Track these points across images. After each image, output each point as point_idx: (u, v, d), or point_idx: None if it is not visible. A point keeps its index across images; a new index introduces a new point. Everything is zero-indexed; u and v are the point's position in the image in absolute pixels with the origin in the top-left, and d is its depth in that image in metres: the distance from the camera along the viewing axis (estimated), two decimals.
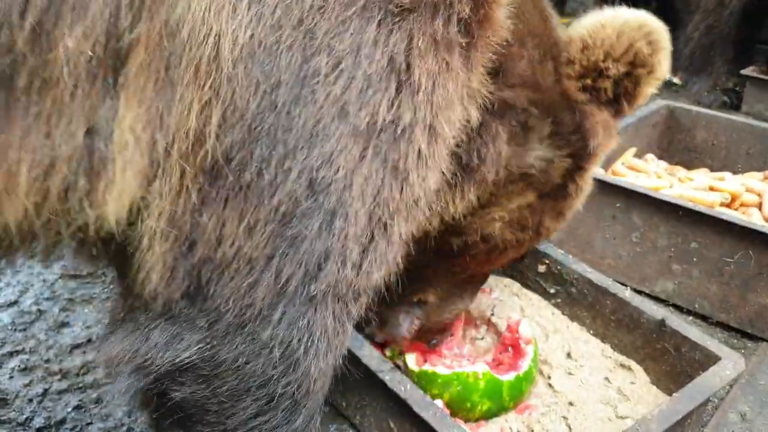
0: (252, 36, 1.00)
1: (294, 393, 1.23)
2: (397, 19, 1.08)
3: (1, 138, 0.95)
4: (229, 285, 1.11)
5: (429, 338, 1.87)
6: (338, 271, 1.14)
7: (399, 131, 1.11)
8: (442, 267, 1.69)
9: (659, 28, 1.42)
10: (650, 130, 3.17)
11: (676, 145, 3.26)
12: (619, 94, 1.47)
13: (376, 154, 1.10)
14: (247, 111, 1.03)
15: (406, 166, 1.14)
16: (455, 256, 1.59)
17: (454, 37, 1.15)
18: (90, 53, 0.95)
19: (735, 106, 4.41)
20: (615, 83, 1.45)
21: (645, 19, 1.41)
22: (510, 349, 1.92)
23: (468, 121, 1.29)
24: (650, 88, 1.47)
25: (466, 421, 1.79)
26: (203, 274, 1.11)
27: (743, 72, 4.30)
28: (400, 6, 1.07)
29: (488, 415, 1.80)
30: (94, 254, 1.20)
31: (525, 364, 1.83)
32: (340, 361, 1.31)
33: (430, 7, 1.10)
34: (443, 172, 1.27)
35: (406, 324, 1.77)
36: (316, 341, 1.20)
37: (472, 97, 1.27)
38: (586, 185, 1.62)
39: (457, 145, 1.31)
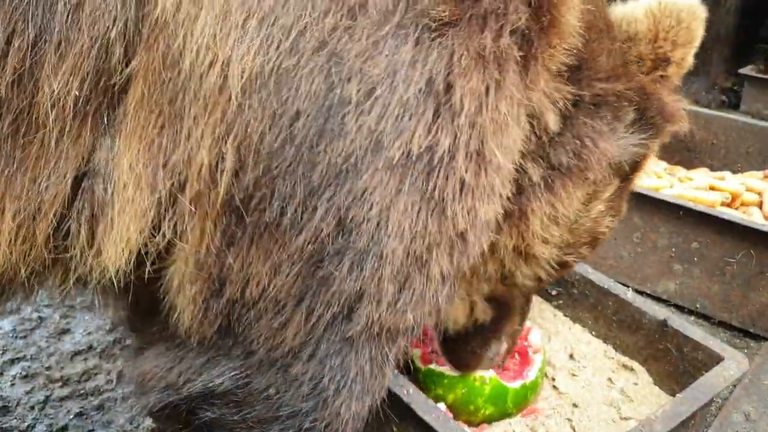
0: (264, 62, 0.90)
1: (322, 430, 1.19)
2: (436, 35, 0.96)
3: None
4: (259, 324, 1.07)
5: (504, 359, 1.83)
6: (372, 311, 1.06)
7: (436, 159, 0.99)
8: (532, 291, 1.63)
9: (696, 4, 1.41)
10: None
11: (675, 144, 3.26)
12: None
13: (413, 186, 1.00)
14: (262, 146, 0.93)
15: (445, 196, 1.02)
16: (550, 276, 1.52)
17: (508, 51, 1.02)
18: (77, 93, 0.89)
19: (734, 105, 4.42)
20: (677, 66, 1.42)
21: (692, 2, 1.40)
22: (517, 356, 1.91)
23: (546, 128, 1.22)
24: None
25: (469, 424, 1.78)
26: (233, 313, 1.06)
27: (741, 71, 4.30)
28: (439, 20, 0.96)
29: (490, 420, 1.80)
30: (111, 301, 1.18)
31: (532, 374, 1.82)
32: (378, 404, 1.24)
33: (476, 20, 0.98)
34: (509, 198, 1.16)
35: (501, 352, 1.73)
36: (349, 382, 1.14)
37: (544, 104, 1.19)
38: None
39: (540, 156, 1.25)
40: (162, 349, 1.19)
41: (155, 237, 0.99)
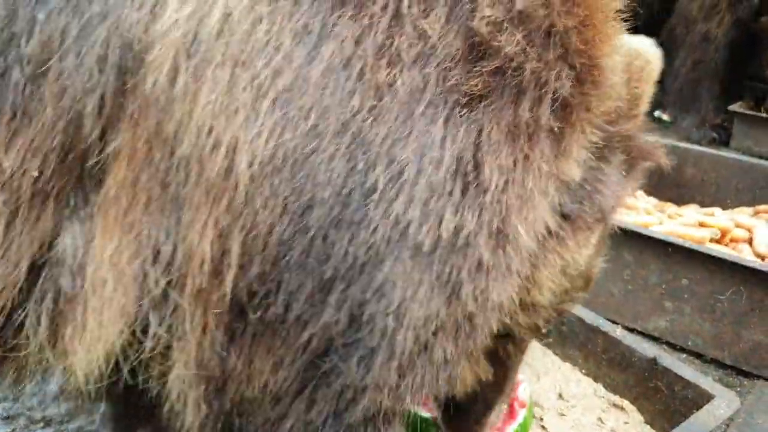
0: (277, 146, 0.80)
1: None
2: (466, 110, 0.88)
3: None
4: (257, 417, 0.99)
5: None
6: (374, 400, 0.99)
7: (461, 241, 0.91)
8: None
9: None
10: None
11: (665, 181, 3.27)
12: None
13: (434, 273, 0.91)
14: (270, 238, 0.83)
15: (459, 278, 0.93)
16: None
17: (544, 123, 0.94)
18: (34, 174, 0.77)
19: (724, 142, 4.44)
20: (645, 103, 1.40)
21: (645, 41, 1.40)
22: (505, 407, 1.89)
23: (569, 182, 1.17)
24: None
25: None
26: (234, 410, 0.99)
27: (731, 108, 4.34)
28: (470, 94, 0.88)
29: None
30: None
31: (511, 429, 1.80)
32: None
33: (510, 90, 0.90)
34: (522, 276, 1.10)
35: (502, 413, 1.72)
36: None
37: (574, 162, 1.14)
38: None
39: (557, 206, 1.20)
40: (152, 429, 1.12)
41: (142, 342, 0.88)
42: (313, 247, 0.85)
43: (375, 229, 0.85)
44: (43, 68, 0.76)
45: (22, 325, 0.85)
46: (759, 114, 4.22)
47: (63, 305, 0.84)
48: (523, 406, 1.84)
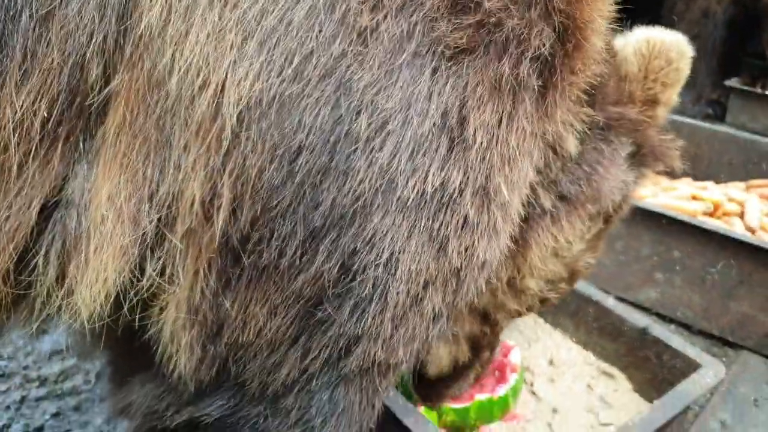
0: (264, 89, 0.80)
1: None
2: (451, 63, 0.87)
3: None
4: (254, 363, 1.01)
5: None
6: (368, 350, 1.01)
7: (446, 197, 0.92)
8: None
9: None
10: None
11: None
12: None
13: (424, 227, 0.92)
14: (261, 183, 0.84)
15: (446, 233, 0.95)
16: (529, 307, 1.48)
17: (526, 80, 0.94)
18: (45, 114, 0.79)
19: (719, 117, 4.45)
20: (664, 106, 1.40)
21: (680, 40, 1.38)
22: (497, 372, 1.92)
23: (565, 154, 1.18)
24: None
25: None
26: (230, 356, 1.01)
27: (727, 83, 4.34)
28: (456, 47, 0.87)
29: (453, 426, 1.80)
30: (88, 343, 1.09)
31: (502, 391, 1.83)
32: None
33: (495, 46, 0.89)
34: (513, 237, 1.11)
35: (465, 387, 1.74)
36: (337, 414, 1.11)
37: (564, 130, 1.14)
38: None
39: (552, 183, 1.21)
40: (149, 378, 1.14)
41: (140, 281, 0.90)
42: (303, 195, 0.85)
43: (361, 179, 0.85)
44: (48, 11, 0.77)
45: (35, 265, 0.87)
46: (755, 90, 4.21)
47: (69, 245, 0.86)
48: (514, 370, 1.87)
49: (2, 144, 0.78)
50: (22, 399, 1.98)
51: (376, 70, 0.83)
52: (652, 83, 1.34)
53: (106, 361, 1.43)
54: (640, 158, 1.37)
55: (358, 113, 0.83)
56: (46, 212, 0.86)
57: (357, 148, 0.84)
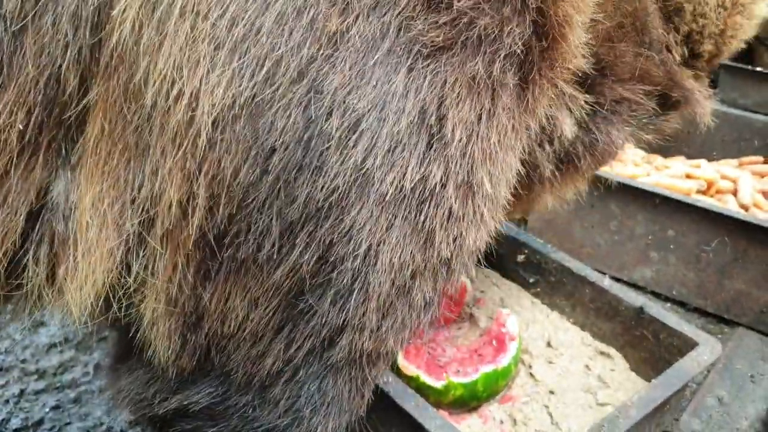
0: (236, 94, 0.83)
1: None
2: (429, 61, 0.89)
3: None
4: (237, 353, 1.04)
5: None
6: (353, 341, 1.03)
7: (428, 191, 0.95)
8: None
9: None
10: None
11: None
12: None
13: (405, 220, 0.95)
14: (236, 181, 0.87)
15: (432, 225, 0.97)
16: None
17: (501, 77, 0.95)
18: (21, 127, 0.81)
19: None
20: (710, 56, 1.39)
21: None
22: (494, 342, 1.92)
23: (560, 136, 1.21)
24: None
25: (437, 406, 1.79)
26: (212, 346, 1.03)
27: None
28: (432, 45, 0.88)
29: (461, 401, 1.81)
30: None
31: (505, 361, 1.84)
32: (356, 421, 1.24)
33: (470, 43, 0.91)
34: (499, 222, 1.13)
35: None
36: (326, 404, 1.12)
37: (559, 115, 1.16)
38: None
39: (553, 152, 1.23)
40: (140, 365, 1.16)
41: (127, 278, 0.94)
42: (278, 190, 0.88)
43: (335, 175, 0.88)
44: (22, 25, 0.79)
45: (24, 266, 0.91)
46: (745, 67, 4.21)
47: (58, 247, 0.90)
48: (513, 339, 1.88)
49: None
50: (21, 392, 1.98)
51: (348, 72, 0.85)
52: (705, 39, 1.33)
53: (109, 344, 1.46)
54: (668, 103, 1.37)
55: (330, 114, 0.85)
56: (34, 216, 0.89)
57: (330, 146, 0.86)
